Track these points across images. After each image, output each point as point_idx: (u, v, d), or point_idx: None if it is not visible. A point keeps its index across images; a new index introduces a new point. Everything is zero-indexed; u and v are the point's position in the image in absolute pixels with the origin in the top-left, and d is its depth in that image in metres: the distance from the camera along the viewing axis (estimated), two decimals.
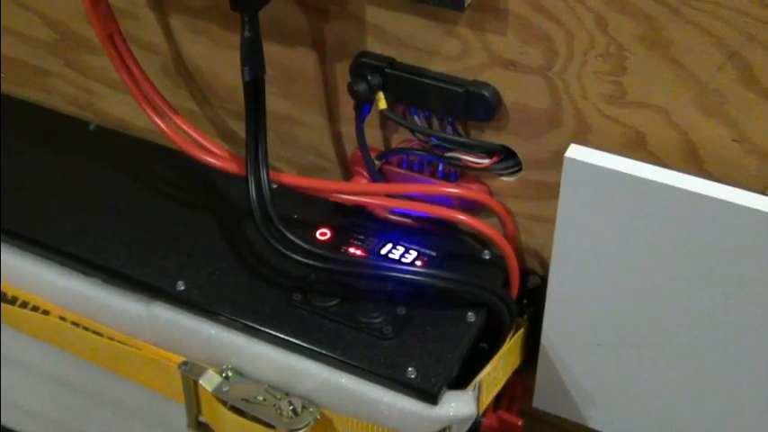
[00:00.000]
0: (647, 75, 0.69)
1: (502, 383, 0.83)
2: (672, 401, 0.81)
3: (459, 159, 0.80)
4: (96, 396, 0.93)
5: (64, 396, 0.96)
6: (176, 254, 0.85)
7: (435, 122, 0.80)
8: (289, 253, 0.78)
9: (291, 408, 0.77)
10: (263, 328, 0.78)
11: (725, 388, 0.78)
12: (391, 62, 0.78)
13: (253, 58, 0.77)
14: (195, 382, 0.80)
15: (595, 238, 0.75)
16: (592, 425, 0.87)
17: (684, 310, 0.75)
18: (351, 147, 0.87)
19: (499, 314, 0.80)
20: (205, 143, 0.86)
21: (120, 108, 0.99)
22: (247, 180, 0.79)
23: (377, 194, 0.84)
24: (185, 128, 0.87)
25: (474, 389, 0.76)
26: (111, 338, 0.85)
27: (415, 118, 0.81)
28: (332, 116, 0.86)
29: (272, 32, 0.82)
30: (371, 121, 0.83)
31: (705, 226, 0.70)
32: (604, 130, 0.73)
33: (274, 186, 0.80)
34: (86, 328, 0.86)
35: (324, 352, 0.77)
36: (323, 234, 0.86)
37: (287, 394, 0.78)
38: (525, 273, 0.85)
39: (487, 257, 0.84)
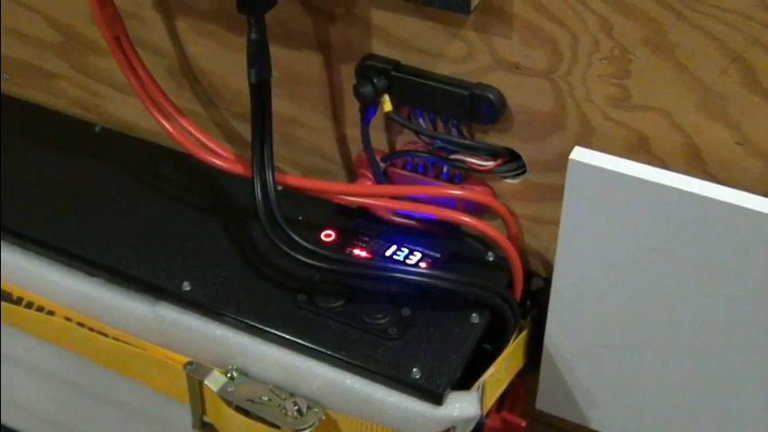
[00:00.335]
0: (652, 78, 0.69)
1: (505, 385, 0.83)
2: (675, 403, 0.81)
3: (463, 162, 0.81)
4: (100, 396, 0.94)
5: (67, 396, 0.96)
6: (182, 255, 0.85)
7: (440, 125, 0.81)
8: (294, 254, 0.79)
9: (296, 408, 0.77)
10: (268, 329, 0.79)
11: (727, 390, 0.78)
12: (397, 65, 0.79)
13: (259, 60, 0.77)
14: (200, 383, 0.81)
15: (599, 241, 0.75)
16: (594, 426, 0.87)
17: (687, 312, 0.75)
18: (355, 149, 0.88)
19: (503, 316, 0.81)
20: (211, 145, 0.86)
21: (125, 110, 0.99)
22: (253, 181, 0.80)
23: (381, 196, 0.85)
24: (191, 130, 0.87)
25: (478, 390, 0.77)
26: (117, 339, 0.86)
27: (420, 120, 0.81)
28: (337, 118, 0.87)
29: (278, 35, 0.82)
30: (376, 123, 0.84)
31: (708, 228, 0.70)
32: (608, 132, 0.74)
33: (279, 188, 0.81)
34: (91, 329, 0.87)
35: (328, 352, 0.77)
36: (328, 235, 0.86)
37: (292, 394, 0.78)
38: (529, 275, 0.86)
39: (491, 259, 0.84)
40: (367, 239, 0.85)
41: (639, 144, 0.73)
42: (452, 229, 0.86)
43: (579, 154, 0.73)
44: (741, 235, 0.69)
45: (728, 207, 0.68)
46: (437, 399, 0.74)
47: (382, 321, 0.79)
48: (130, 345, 0.85)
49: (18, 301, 0.90)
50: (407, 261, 0.83)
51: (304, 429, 0.76)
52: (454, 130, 0.80)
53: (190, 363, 0.81)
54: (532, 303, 0.86)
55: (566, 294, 0.80)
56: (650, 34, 0.68)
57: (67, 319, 0.87)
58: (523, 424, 0.81)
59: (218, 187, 0.92)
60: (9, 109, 1.04)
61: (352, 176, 0.90)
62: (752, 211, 0.68)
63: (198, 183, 0.93)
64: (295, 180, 0.84)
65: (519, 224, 0.84)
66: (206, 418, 0.84)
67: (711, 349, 0.76)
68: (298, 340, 0.78)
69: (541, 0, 0.70)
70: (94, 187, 0.93)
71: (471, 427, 0.77)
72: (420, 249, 0.84)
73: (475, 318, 0.80)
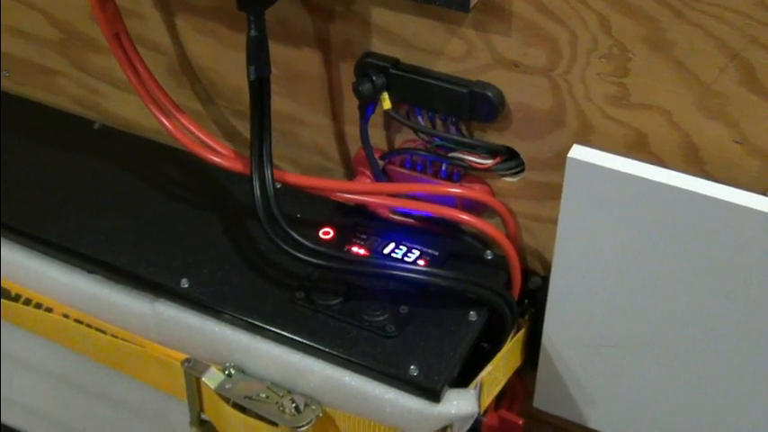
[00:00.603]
0: (650, 76, 0.70)
1: (503, 383, 0.83)
2: (672, 402, 0.81)
3: (462, 160, 0.81)
4: (99, 394, 0.94)
5: (66, 394, 0.96)
6: (180, 252, 0.85)
7: (439, 123, 0.81)
8: (292, 251, 0.79)
9: (294, 405, 0.77)
10: (266, 326, 0.79)
11: (725, 388, 0.78)
12: (396, 62, 0.79)
13: (258, 57, 0.77)
14: (198, 380, 0.81)
15: (597, 239, 0.75)
16: (592, 425, 0.87)
17: (685, 311, 0.75)
18: (354, 147, 0.88)
19: (501, 314, 0.81)
20: (210, 142, 0.86)
21: (125, 107, 1.00)
22: (252, 179, 0.80)
23: (380, 194, 0.85)
24: (190, 127, 0.87)
25: (476, 387, 0.77)
26: (115, 336, 0.86)
27: (419, 118, 0.81)
28: (336, 116, 0.87)
29: (277, 32, 0.83)
30: (375, 121, 0.84)
31: (706, 227, 0.70)
32: (607, 130, 0.74)
33: (278, 186, 0.81)
34: (90, 326, 0.87)
35: (326, 350, 0.77)
36: (326, 233, 0.86)
37: (289, 392, 0.78)
38: (527, 273, 0.86)
39: (489, 257, 0.85)
40: (365, 237, 0.85)
41: (638, 142, 0.73)
42: (451, 227, 0.86)
43: (578, 152, 0.73)
44: (739, 233, 0.69)
45: (726, 205, 0.68)
46: (435, 396, 0.74)
47: (380, 319, 0.79)
48: (129, 342, 0.85)
49: (16, 298, 0.90)
50: (406, 259, 0.83)
51: (302, 426, 0.76)
52: (453, 128, 0.80)
53: (188, 360, 0.82)
54: (530, 302, 0.86)
55: (564, 293, 0.80)
56: (649, 32, 0.68)
57: (65, 315, 0.88)
58: (521, 422, 0.81)
59: (217, 185, 0.92)
60: (9, 106, 1.04)
61: (351, 174, 0.90)
62: (750, 209, 0.68)
63: (197, 180, 0.93)
64: (294, 178, 0.84)
65: (517, 222, 0.84)
66: (203, 416, 0.84)
67: (709, 348, 0.76)
68: (295, 337, 0.78)
69: None
70: (93, 184, 0.93)
71: (469, 424, 0.77)
72: (418, 247, 0.84)
73: (473, 316, 0.80)
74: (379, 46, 0.79)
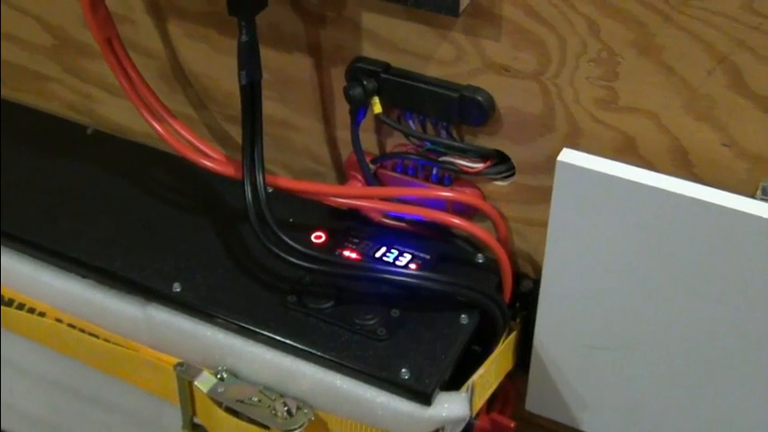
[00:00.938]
0: (639, 80, 0.70)
1: (494, 386, 0.83)
2: (663, 404, 0.82)
3: (453, 163, 0.81)
4: (92, 398, 0.94)
5: (59, 398, 0.96)
6: (173, 256, 0.85)
7: (430, 127, 0.81)
8: (284, 255, 0.79)
9: (286, 409, 0.77)
10: (258, 330, 0.79)
11: (716, 391, 0.78)
12: (386, 67, 0.79)
13: (249, 62, 0.77)
14: (190, 384, 0.81)
15: (587, 242, 0.75)
16: (584, 428, 0.87)
17: (676, 313, 0.76)
18: (346, 151, 0.88)
19: (492, 317, 0.81)
20: (202, 147, 0.87)
21: (117, 112, 1.00)
22: (243, 183, 0.80)
23: (371, 198, 0.85)
24: (182, 132, 0.87)
25: (467, 391, 0.77)
26: (107, 340, 0.86)
27: (410, 122, 0.81)
28: (327, 120, 0.87)
29: (268, 37, 0.83)
30: (366, 125, 0.84)
31: (696, 229, 0.70)
32: (596, 134, 0.74)
33: (270, 190, 0.81)
34: (82, 330, 0.87)
35: (318, 353, 0.77)
36: (318, 237, 0.86)
37: (281, 395, 0.79)
38: (518, 276, 0.86)
39: (481, 261, 0.85)
40: (357, 241, 0.86)
41: (627, 146, 0.73)
42: (442, 230, 0.86)
43: (567, 155, 0.73)
44: (728, 236, 0.69)
45: (715, 208, 0.69)
46: (426, 399, 0.74)
47: (372, 322, 0.79)
48: (121, 346, 0.85)
49: (9, 303, 0.90)
50: (397, 262, 0.84)
51: (293, 430, 0.76)
52: (444, 132, 0.80)
53: (180, 364, 0.82)
54: (521, 305, 0.86)
55: (555, 296, 0.80)
56: (638, 36, 0.68)
57: (58, 320, 0.88)
58: (513, 425, 0.82)
59: (210, 189, 0.92)
60: (2, 112, 1.04)
61: (343, 178, 0.90)
62: (739, 212, 0.68)
63: (189, 185, 0.93)
64: (286, 182, 0.84)
65: (508, 226, 0.84)
66: (196, 419, 0.85)
67: (701, 351, 0.77)
68: (287, 341, 0.78)
69: (530, 2, 0.70)
70: (86, 189, 0.93)
71: (461, 427, 0.77)
72: (410, 251, 0.85)
73: (464, 319, 0.80)
74: (369, 50, 0.80)
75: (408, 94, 0.79)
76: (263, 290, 0.82)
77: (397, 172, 0.86)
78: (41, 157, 0.97)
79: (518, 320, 0.86)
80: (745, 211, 0.68)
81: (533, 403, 0.89)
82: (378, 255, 0.84)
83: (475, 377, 0.78)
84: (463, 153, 0.81)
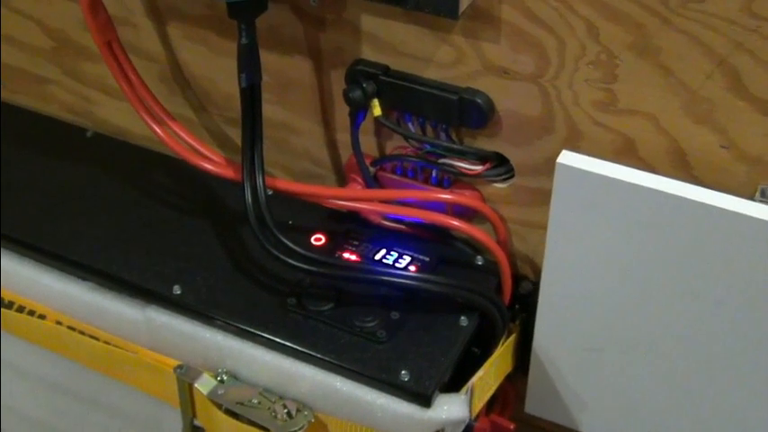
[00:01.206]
0: (638, 82, 0.70)
1: (494, 388, 0.83)
2: (662, 406, 0.82)
3: (452, 166, 0.81)
4: (92, 400, 0.94)
5: (59, 400, 0.96)
6: (173, 258, 0.85)
7: (429, 129, 0.81)
8: (284, 258, 0.79)
9: (286, 411, 0.77)
10: (258, 332, 0.79)
11: (715, 393, 0.78)
12: (386, 69, 0.79)
13: (249, 64, 0.77)
14: (190, 386, 0.81)
15: (586, 244, 0.76)
16: (584, 430, 0.87)
17: (675, 315, 0.76)
18: (345, 153, 0.88)
19: (491, 319, 0.81)
20: (202, 149, 0.87)
21: (117, 115, 1.00)
22: (243, 186, 0.80)
23: (371, 200, 0.85)
24: (182, 134, 0.87)
25: (467, 392, 0.77)
26: (108, 343, 0.86)
27: (410, 125, 0.82)
28: (327, 123, 0.87)
29: (268, 40, 0.83)
30: (366, 127, 0.84)
31: (695, 231, 0.71)
32: (595, 136, 0.74)
33: (270, 192, 0.81)
34: (82, 333, 0.87)
35: (318, 355, 0.77)
36: (318, 239, 0.86)
37: (281, 397, 0.79)
38: (517, 278, 0.86)
39: (480, 263, 0.85)
40: (357, 243, 0.86)
41: (626, 148, 0.74)
42: (441, 232, 0.87)
43: (566, 158, 0.73)
44: (727, 238, 0.70)
45: (714, 210, 0.69)
46: (426, 401, 0.74)
47: (371, 324, 0.79)
48: (121, 348, 0.85)
49: (9, 306, 0.90)
50: (397, 265, 0.84)
51: None
52: (443, 135, 0.81)
53: (180, 366, 0.82)
54: (521, 307, 0.86)
55: (554, 298, 0.80)
56: (636, 39, 0.68)
57: (58, 322, 0.88)
58: (512, 427, 0.82)
59: (210, 192, 0.92)
60: (1, 115, 1.04)
61: (343, 181, 0.91)
62: (738, 214, 0.68)
63: (189, 187, 0.93)
64: (285, 184, 0.85)
65: (507, 228, 0.84)
66: (196, 422, 0.84)
67: (700, 353, 0.77)
68: (287, 343, 0.78)
69: (529, 5, 0.70)
70: (86, 192, 0.93)
71: (460, 429, 0.78)
72: (409, 253, 0.85)
73: (463, 321, 0.80)
74: (369, 53, 0.80)
75: (408, 97, 0.79)
76: (263, 292, 0.82)
77: (396, 174, 0.86)
78: (41, 160, 0.98)
79: (517, 322, 0.86)
80: (744, 213, 0.68)
81: (533, 405, 0.89)
82: (377, 257, 0.84)
83: (474, 379, 0.78)
84: (462, 155, 0.81)
